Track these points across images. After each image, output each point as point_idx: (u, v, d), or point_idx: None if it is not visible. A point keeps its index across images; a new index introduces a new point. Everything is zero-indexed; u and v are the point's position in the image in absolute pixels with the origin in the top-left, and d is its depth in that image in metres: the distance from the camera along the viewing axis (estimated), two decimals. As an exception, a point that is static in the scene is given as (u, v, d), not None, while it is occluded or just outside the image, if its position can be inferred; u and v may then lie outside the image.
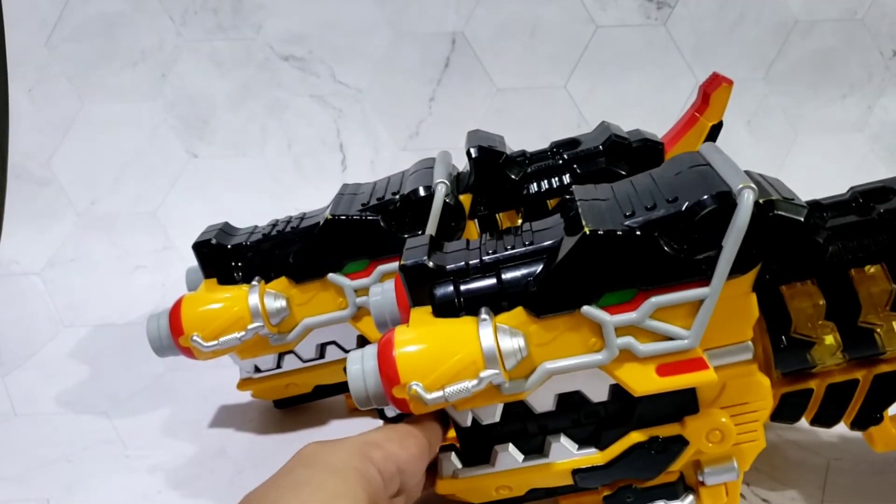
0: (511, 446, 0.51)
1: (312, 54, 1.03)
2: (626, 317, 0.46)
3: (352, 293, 0.65)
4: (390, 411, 0.69)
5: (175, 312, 0.66)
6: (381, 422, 0.71)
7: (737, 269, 0.45)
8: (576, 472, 0.51)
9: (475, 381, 0.45)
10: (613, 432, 0.51)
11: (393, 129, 1.04)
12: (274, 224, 0.70)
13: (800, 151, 1.04)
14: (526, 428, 0.51)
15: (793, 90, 1.04)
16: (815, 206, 0.50)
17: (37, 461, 0.70)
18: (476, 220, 0.67)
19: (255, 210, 0.85)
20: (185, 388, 0.80)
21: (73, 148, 1.03)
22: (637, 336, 0.47)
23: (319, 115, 1.04)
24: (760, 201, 0.44)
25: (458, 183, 0.67)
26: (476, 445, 0.52)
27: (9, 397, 0.82)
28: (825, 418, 0.52)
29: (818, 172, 1.00)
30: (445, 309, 0.48)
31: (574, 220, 0.47)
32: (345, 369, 0.48)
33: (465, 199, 0.65)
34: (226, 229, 0.70)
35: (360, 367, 0.47)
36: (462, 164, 0.68)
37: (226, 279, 0.67)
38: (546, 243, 0.48)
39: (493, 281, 0.48)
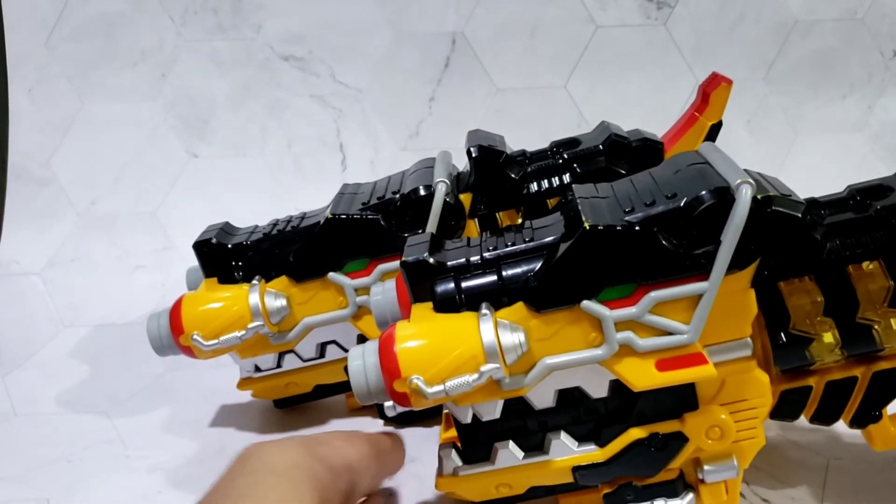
0: (511, 443, 0.52)
1: (312, 54, 1.03)
2: (625, 311, 0.47)
3: (352, 292, 0.65)
4: (391, 410, 0.69)
5: (175, 311, 0.66)
6: (381, 422, 0.71)
7: (735, 265, 0.46)
8: (576, 470, 0.51)
9: (476, 376, 0.45)
10: (613, 429, 0.51)
11: (393, 129, 1.04)
12: (274, 223, 0.70)
13: (800, 151, 1.04)
14: (526, 425, 0.51)
15: (793, 90, 1.04)
16: (812, 203, 0.50)
17: (37, 461, 0.70)
18: (476, 220, 0.67)
19: (255, 210, 0.85)
20: (185, 388, 0.80)
21: (73, 148, 1.03)
22: (636, 331, 0.47)
23: (319, 115, 1.04)
24: (758, 197, 0.45)
25: (459, 182, 0.67)
26: (476, 443, 0.52)
27: (9, 397, 0.82)
28: (824, 416, 0.52)
29: (818, 172, 1.00)
30: (446, 305, 0.48)
31: (574, 217, 0.47)
32: (345, 369, 0.48)
33: (466, 199, 0.65)
34: (226, 229, 0.70)
35: (362, 363, 0.47)
36: (462, 164, 0.69)
37: (226, 278, 0.67)
38: (546, 240, 0.49)
39: (493, 277, 0.48)
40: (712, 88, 0.67)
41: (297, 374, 0.70)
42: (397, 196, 0.64)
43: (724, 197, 0.45)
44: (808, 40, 1.02)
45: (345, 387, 0.71)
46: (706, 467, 0.51)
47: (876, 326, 0.49)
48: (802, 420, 0.53)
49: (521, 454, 0.52)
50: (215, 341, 0.65)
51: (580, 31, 1.02)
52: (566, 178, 0.65)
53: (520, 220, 0.66)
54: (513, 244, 0.49)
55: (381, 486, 0.50)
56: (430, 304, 0.49)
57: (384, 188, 0.66)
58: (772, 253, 0.46)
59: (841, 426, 0.53)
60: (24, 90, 1.03)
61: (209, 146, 1.04)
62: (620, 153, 0.65)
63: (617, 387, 0.49)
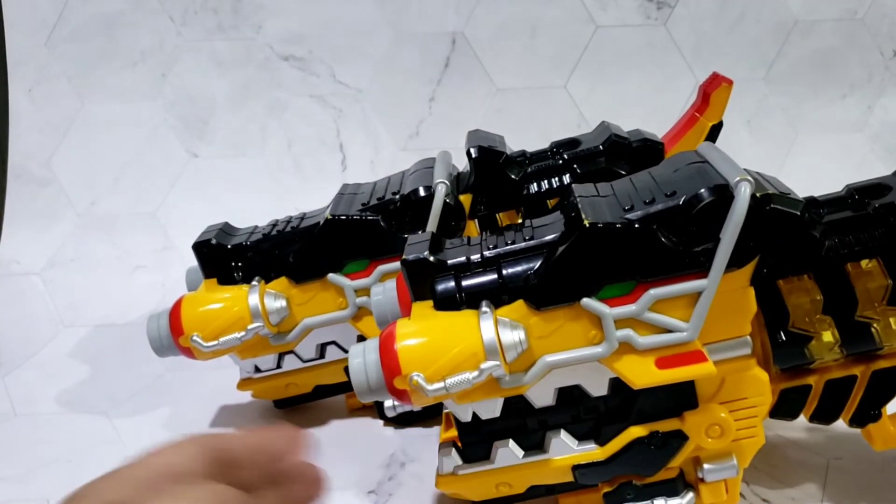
0: (511, 442, 0.52)
1: (312, 54, 1.03)
2: (625, 309, 0.47)
3: (352, 293, 0.65)
4: (391, 410, 0.69)
5: (175, 312, 0.66)
6: (380, 422, 0.71)
7: (734, 263, 0.46)
8: (576, 468, 0.51)
9: (476, 373, 0.45)
10: (613, 427, 0.51)
11: (393, 129, 1.04)
12: (274, 224, 0.70)
13: (800, 151, 1.04)
14: (526, 423, 0.51)
15: (793, 90, 1.04)
16: (811, 201, 0.50)
17: (37, 461, 0.70)
18: (476, 220, 0.67)
19: (255, 210, 0.85)
20: (184, 388, 0.80)
21: (73, 148, 1.03)
22: (636, 328, 0.47)
23: (319, 115, 1.04)
24: (757, 195, 0.45)
25: (458, 183, 0.67)
26: (476, 441, 0.52)
27: (9, 397, 0.82)
28: (824, 415, 0.52)
29: (818, 172, 0.99)
30: (447, 303, 0.48)
31: (574, 215, 0.47)
32: (345, 368, 0.48)
33: (466, 199, 0.65)
34: (226, 229, 0.70)
35: (363, 360, 0.47)
36: (462, 164, 0.69)
37: (226, 279, 0.67)
38: (546, 238, 0.49)
39: (493, 275, 0.48)
40: (713, 89, 0.67)
41: (297, 374, 0.70)
42: (397, 197, 0.64)
43: (724, 194, 0.45)
44: (808, 40, 1.02)
45: (345, 387, 0.71)
46: (706, 466, 0.51)
47: (875, 325, 0.49)
48: (802, 419, 0.53)
49: (520, 453, 0.52)
50: (215, 342, 0.65)
51: (580, 31, 1.02)
52: (566, 178, 0.65)
53: (520, 221, 0.66)
54: (513, 242, 0.49)
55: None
56: (430, 303, 0.49)
57: (384, 189, 0.66)
58: (771, 251, 0.46)
59: (840, 425, 0.53)
60: (24, 90, 1.03)
61: (209, 146, 1.04)
62: (621, 153, 0.65)
63: (617, 385, 0.49)
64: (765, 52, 1.03)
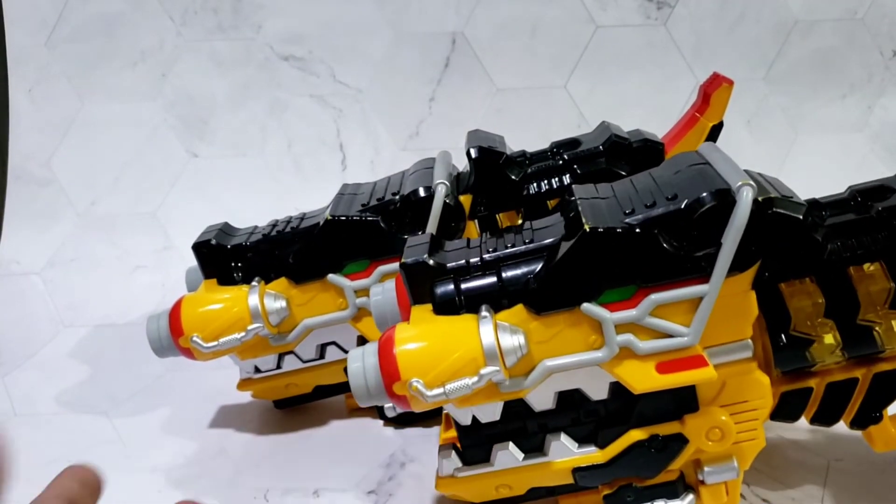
0: (511, 445, 0.52)
1: (312, 54, 1.03)
2: (625, 314, 0.47)
3: (352, 294, 0.65)
4: (391, 411, 0.69)
5: (175, 313, 0.66)
6: (380, 422, 0.71)
7: (736, 267, 0.45)
8: (576, 471, 0.51)
9: (475, 378, 0.45)
10: (613, 430, 0.51)
11: (393, 129, 1.04)
12: (274, 224, 0.70)
13: (800, 151, 1.04)
14: (526, 426, 0.51)
15: (793, 90, 1.04)
16: (813, 204, 0.50)
17: (37, 461, 0.70)
18: (476, 221, 0.67)
19: (255, 210, 0.85)
20: (185, 388, 0.80)
21: (73, 148, 1.03)
22: (637, 333, 0.47)
23: (319, 115, 1.04)
24: (759, 199, 0.44)
25: (458, 183, 0.66)
26: (476, 444, 0.52)
27: (9, 397, 0.82)
28: (825, 417, 0.52)
29: (818, 172, 0.99)
30: (446, 307, 0.48)
31: (574, 218, 0.47)
32: (345, 370, 0.48)
33: (465, 200, 0.65)
34: (226, 230, 0.70)
35: (361, 364, 0.47)
36: (462, 164, 0.68)
37: (226, 280, 0.67)
38: (546, 241, 0.48)
39: (493, 279, 0.48)
40: (713, 89, 0.66)
41: (297, 374, 0.70)
42: (397, 197, 0.63)
43: (725, 199, 0.45)
44: (808, 40, 1.02)
45: (344, 388, 0.71)
46: (706, 468, 0.51)
47: (877, 328, 0.49)
48: (803, 421, 0.53)
49: (520, 456, 0.52)
50: (215, 343, 0.65)
51: (580, 31, 1.02)
52: (566, 179, 0.65)
53: (520, 222, 0.66)
54: (513, 245, 0.49)
55: None
56: (429, 306, 0.49)
57: (384, 189, 0.66)
58: (773, 255, 0.46)
59: (841, 427, 0.53)
60: (24, 90, 1.03)
61: (209, 146, 1.04)
62: (621, 154, 0.65)
63: (617, 389, 0.49)
64: (765, 52, 1.03)
